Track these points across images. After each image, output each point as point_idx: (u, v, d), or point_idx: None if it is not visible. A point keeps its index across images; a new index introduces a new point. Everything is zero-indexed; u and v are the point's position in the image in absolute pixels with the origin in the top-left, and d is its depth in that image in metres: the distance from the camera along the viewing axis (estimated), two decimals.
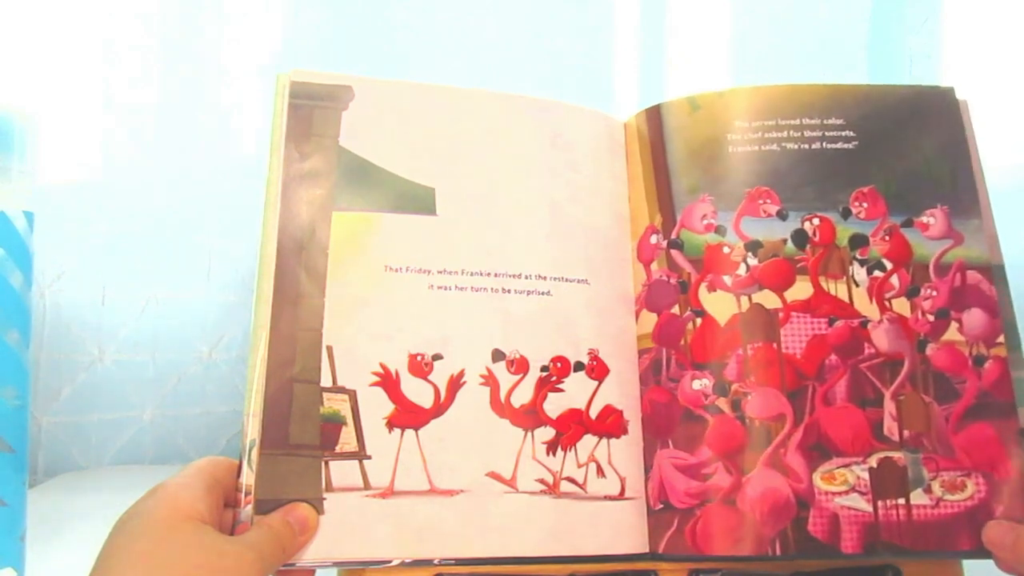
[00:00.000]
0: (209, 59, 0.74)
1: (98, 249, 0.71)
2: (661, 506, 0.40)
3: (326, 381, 0.39)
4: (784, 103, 0.44)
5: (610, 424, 0.41)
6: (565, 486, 0.40)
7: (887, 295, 0.41)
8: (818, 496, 0.39)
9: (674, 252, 0.43)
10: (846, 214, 0.42)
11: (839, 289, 0.42)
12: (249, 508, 0.36)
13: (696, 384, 0.41)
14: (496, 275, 0.42)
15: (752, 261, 0.42)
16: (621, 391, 0.42)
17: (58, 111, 0.69)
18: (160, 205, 0.73)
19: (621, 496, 0.40)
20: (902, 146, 0.43)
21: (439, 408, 0.40)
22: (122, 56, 0.71)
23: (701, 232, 0.43)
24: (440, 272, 0.41)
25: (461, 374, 0.40)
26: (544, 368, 0.41)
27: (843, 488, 0.39)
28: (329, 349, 0.39)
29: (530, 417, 0.40)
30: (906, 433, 0.40)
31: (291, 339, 0.39)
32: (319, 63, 0.77)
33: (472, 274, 0.42)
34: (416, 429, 0.39)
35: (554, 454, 0.40)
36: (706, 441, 0.40)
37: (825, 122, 0.44)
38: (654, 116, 0.46)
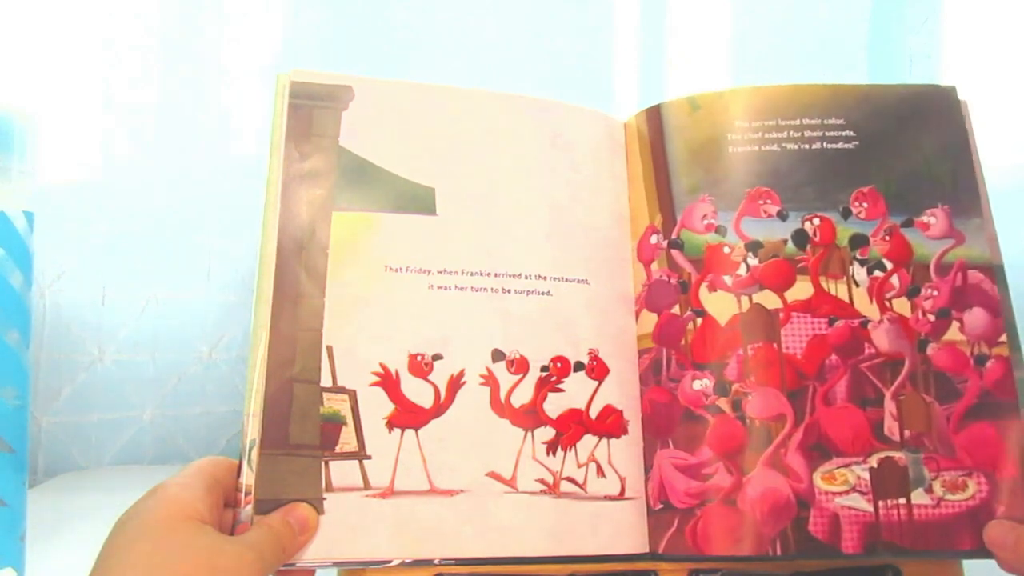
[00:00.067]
0: (209, 59, 0.74)
1: (98, 249, 0.71)
2: (661, 506, 0.40)
3: (326, 381, 0.39)
4: (784, 103, 0.44)
5: (610, 424, 0.41)
6: (565, 486, 0.40)
7: (887, 295, 0.41)
8: (818, 496, 0.39)
9: (674, 252, 0.43)
10: (846, 214, 0.42)
11: (839, 289, 0.42)
12: (249, 508, 0.36)
13: (696, 384, 0.41)
14: (496, 275, 0.42)
15: (752, 261, 0.42)
16: (621, 391, 0.42)
17: (58, 111, 0.69)
18: (160, 205, 0.73)
19: (621, 496, 0.40)
20: (902, 146, 0.43)
21: (439, 408, 0.40)
22: (122, 56, 0.71)
23: (701, 232, 0.43)
24: (440, 272, 0.41)
25: (461, 374, 0.40)
26: (544, 368, 0.41)
27: (843, 488, 0.39)
28: (329, 349, 0.39)
29: (530, 417, 0.40)
30: (907, 433, 0.39)
31: (291, 339, 0.39)
32: (319, 63, 0.77)
33: (472, 274, 0.42)
34: (416, 429, 0.39)
35: (554, 454, 0.40)
36: (706, 441, 0.40)
37: (825, 122, 0.44)
38: (654, 116, 0.46)
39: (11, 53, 0.67)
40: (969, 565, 0.40)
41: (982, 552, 0.37)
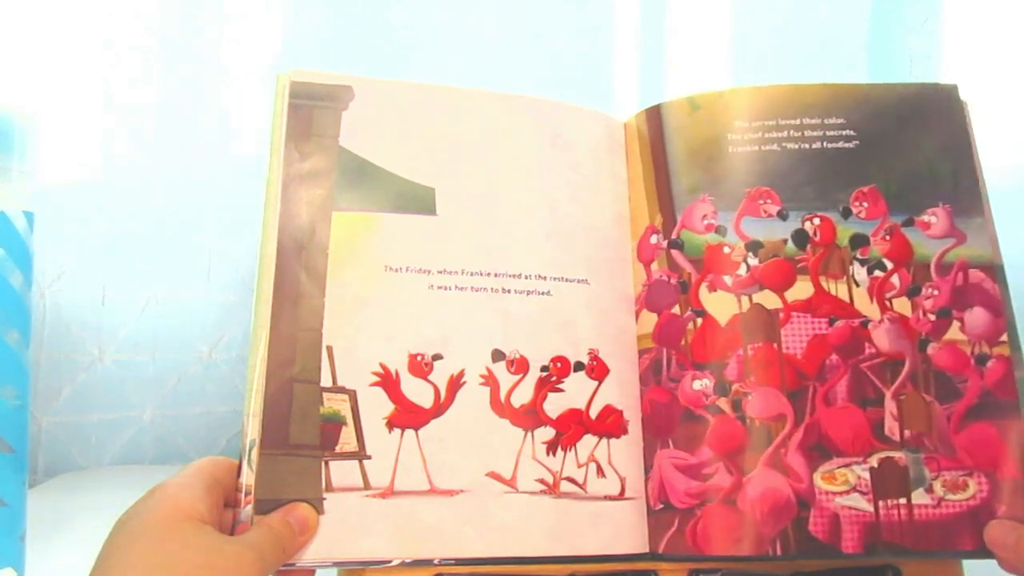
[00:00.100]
0: (209, 59, 0.74)
1: (98, 249, 0.71)
2: (661, 506, 0.40)
3: (326, 381, 0.39)
4: (784, 103, 0.44)
5: (610, 424, 0.41)
6: (565, 486, 0.40)
7: (888, 295, 0.41)
8: (819, 496, 0.39)
9: (674, 252, 0.43)
10: (847, 214, 0.42)
11: (840, 289, 0.42)
12: (249, 508, 0.36)
13: (696, 384, 0.41)
14: (496, 275, 0.42)
15: (752, 261, 0.42)
16: (621, 391, 0.42)
17: (58, 111, 0.69)
18: (160, 205, 0.73)
19: (621, 496, 0.40)
20: (903, 145, 0.43)
21: (439, 408, 0.40)
22: (122, 56, 0.71)
23: (701, 232, 0.43)
24: (440, 272, 0.41)
25: (461, 374, 0.40)
26: (544, 368, 0.41)
27: (844, 488, 0.39)
28: (329, 349, 0.39)
29: (530, 417, 0.40)
30: (907, 433, 0.39)
31: (291, 339, 0.39)
32: (319, 63, 0.77)
33: (472, 274, 0.42)
34: (416, 429, 0.39)
35: (554, 454, 0.40)
36: (706, 441, 0.40)
37: (826, 121, 0.44)
38: (654, 116, 0.46)
39: (11, 53, 0.67)
40: (969, 565, 0.40)
41: (982, 552, 0.37)
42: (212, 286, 0.74)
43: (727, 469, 0.39)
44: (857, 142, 0.43)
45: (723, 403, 0.40)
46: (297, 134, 0.42)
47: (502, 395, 0.40)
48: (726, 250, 0.42)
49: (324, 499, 0.37)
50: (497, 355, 0.41)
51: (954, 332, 0.41)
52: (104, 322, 0.71)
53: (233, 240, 0.74)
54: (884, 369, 0.40)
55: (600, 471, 0.40)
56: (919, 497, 0.38)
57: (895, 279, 0.42)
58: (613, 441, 0.41)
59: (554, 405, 0.41)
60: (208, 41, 0.74)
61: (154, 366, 0.73)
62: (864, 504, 0.38)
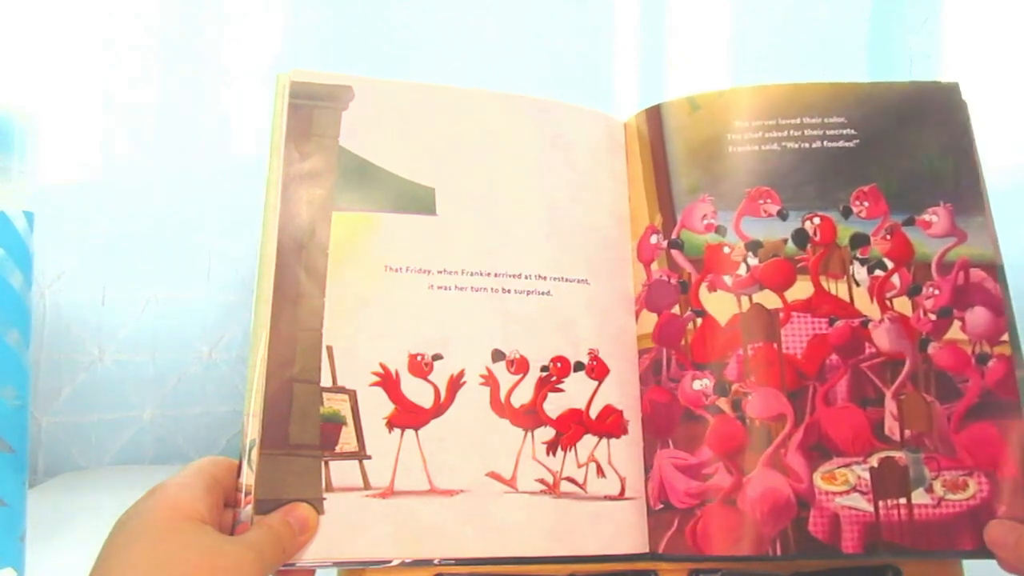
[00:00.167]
0: (209, 59, 0.74)
1: (98, 249, 0.71)
2: (661, 506, 0.40)
3: (326, 381, 0.39)
4: (784, 102, 0.44)
5: (610, 424, 0.41)
6: (565, 486, 0.40)
7: (888, 294, 0.41)
8: (819, 496, 0.39)
9: (674, 252, 0.43)
10: (847, 213, 0.42)
11: (840, 289, 0.42)
12: (249, 508, 0.36)
13: (696, 384, 0.41)
14: (496, 275, 0.42)
15: (752, 261, 0.42)
16: (621, 391, 0.42)
17: (58, 111, 0.69)
18: (160, 205, 0.73)
19: (621, 496, 0.40)
20: (904, 144, 0.43)
21: (439, 408, 0.40)
22: (122, 56, 0.71)
23: (701, 232, 0.43)
24: (440, 272, 0.41)
25: (461, 374, 0.40)
26: (544, 368, 0.41)
27: (844, 488, 0.39)
28: (329, 349, 0.39)
29: (530, 417, 0.40)
30: (907, 433, 0.39)
31: (291, 339, 0.39)
32: (319, 63, 0.77)
33: (472, 274, 0.42)
34: (416, 429, 0.39)
35: (554, 454, 0.40)
36: (706, 441, 0.40)
37: (826, 121, 0.44)
38: (654, 116, 0.46)
39: (11, 53, 0.67)
40: (969, 565, 0.40)
41: (983, 552, 0.37)
42: (212, 286, 0.74)
43: (727, 469, 0.39)
44: (857, 141, 0.43)
45: (723, 403, 0.40)
46: (297, 134, 0.42)
47: (502, 395, 0.40)
48: (726, 250, 0.42)
49: (324, 499, 0.37)
50: (497, 355, 0.41)
51: (955, 332, 0.41)
52: (104, 322, 0.71)
53: (233, 240, 0.74)
54: (884, 369, 0.40)
55: (600, 471, 0.40)
56: (919, 497, 0.38)
57: (895, 278, 0.42)
58: (613, 441, 0.41)
59: (554, 405, 0.41)
60: (208, 41, 0.74)
61: (154, 366, 0.73)
62: (864, 504, 0.38)
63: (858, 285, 0.42)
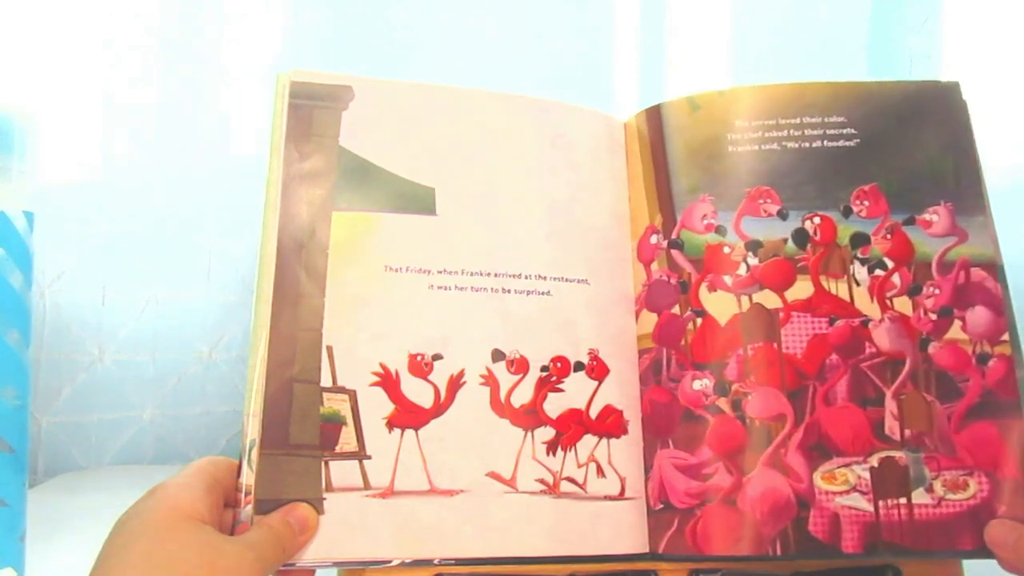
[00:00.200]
0: (209, 59, 0.74)
1: (98, 249, 0.71)
2: (661, 506, 0.40)
3: (326, 381, 0.39)
4: (785, 102, 0.44)
5: (610, 424, 0.41)
6: (565, 486, 0.40)
7: (888, 294, 0.41)
8: (819, 496, 0.39)
9: (674, 252, 0.43)
10: (847, 213, 0.42)
11: (840, 288, 0.42)
12: (249, 508, 0.36)
13: (696, 384, 0.41)
14: (496, 275, 0.42)
15: (752, 261, 0.42)
16: (621, 391, 0.42)
17: (58, 111, 0.69)
18: (160, 205, 0.73)
19: (621, 496, 0.40)
20: (904, 143, 0.43)
21: (439, 408, 0.40)
22: (122, 56, 0.71)
23: (701, 232, 0.43)
24: (440, 272, 0.41)
25: (461, 374, 0.40)
26: (544, 368, 0.41)
27: (844, 488, 0.39)
28: (329, 349, 0.39)
29: (530, 417, 0.40)
30: (907, 432, 0.39)
31: (291, 339, 0.39)
32: (319, 63, 0.77)
33: (472, 274, 0.42)
34: (416, 429, 0.39)
35: (554, 454, 0.40)
36: (706, 441, 0.40)
37: (826, 120, 0.44)
38: (654, 116, 0.46)
39: (11, 53, 0.67)
40: (969, 565, 0.39)
41: (983, 552, 0.37)
42: (212, 286, 0.74)
43: (727, 469, 0.39)
44: (858, 140, 0.43)
45: (723, 403, 0.40)
46: (297, 134, 0.42)
47: (502, 395, 0.40)
48: (726, 250, 0.42)
49: (324, 499, 0.37)
50: (497, 355, 0.41)
51: (955, 331, 0.41)
52: (104, 322, 0.71)
53: (233, 240, 0.74)
54: (884, 368, 0.40)
55: (600, 471, 0.40)
56: (919, 497, 0.38)
57: (896, 278, 0.42)
58: (613, 441, 0.41)
59: (554, 405, 0.41)
60: (208, 41, 0.74)
61: (154, 366, 0.73)
62: (864, 504, 0.38)
63: (858, 285, 0.42)
